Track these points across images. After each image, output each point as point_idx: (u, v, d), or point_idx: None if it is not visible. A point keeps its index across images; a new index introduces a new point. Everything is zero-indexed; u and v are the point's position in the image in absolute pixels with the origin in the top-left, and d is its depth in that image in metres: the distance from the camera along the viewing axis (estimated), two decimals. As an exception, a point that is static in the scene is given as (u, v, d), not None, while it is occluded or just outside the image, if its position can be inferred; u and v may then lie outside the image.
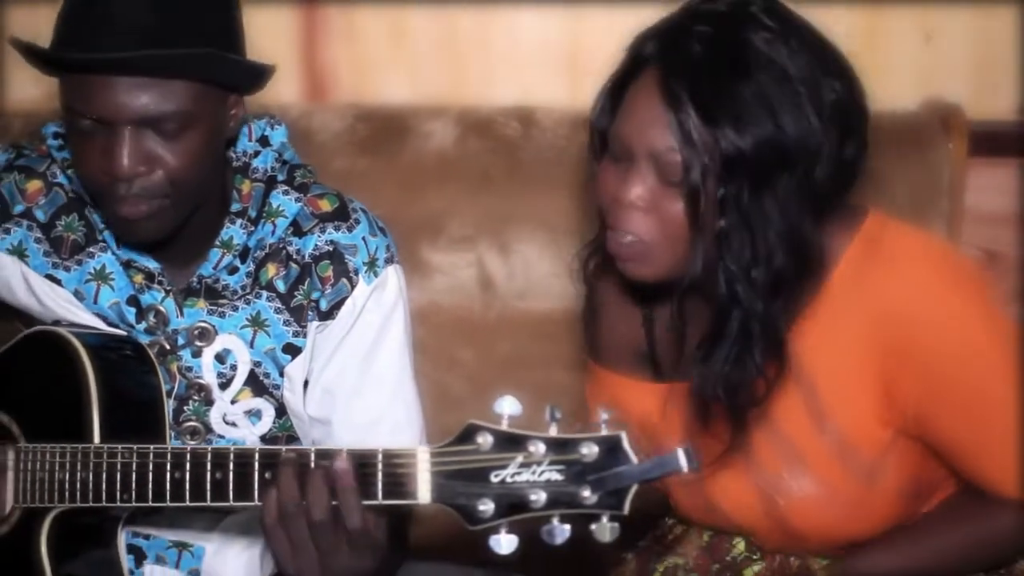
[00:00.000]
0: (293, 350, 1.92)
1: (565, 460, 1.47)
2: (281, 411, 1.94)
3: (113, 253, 1.90)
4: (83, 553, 1.85)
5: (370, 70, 2.58)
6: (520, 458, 1.48)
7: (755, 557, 1.90)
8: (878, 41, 2.53)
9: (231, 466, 1.64)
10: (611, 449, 1.46)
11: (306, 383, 1.94)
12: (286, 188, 1.93)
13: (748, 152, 1.65)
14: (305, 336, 1.91)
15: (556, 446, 1.48)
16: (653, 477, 1.46)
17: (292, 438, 1.97)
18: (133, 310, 1.90)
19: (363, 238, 1.93)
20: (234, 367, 1.91)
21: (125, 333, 1.90)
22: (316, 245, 1.91)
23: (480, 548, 1.51)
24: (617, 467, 1.46)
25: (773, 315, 1.72)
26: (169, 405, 1.89)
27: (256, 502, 1.63)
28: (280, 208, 1.91)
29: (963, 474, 1.81)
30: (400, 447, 1.56)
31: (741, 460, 1.81)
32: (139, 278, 1.90)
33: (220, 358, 1.91)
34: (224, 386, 1.91)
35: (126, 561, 1.90)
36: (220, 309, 1.90)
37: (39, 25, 2.47)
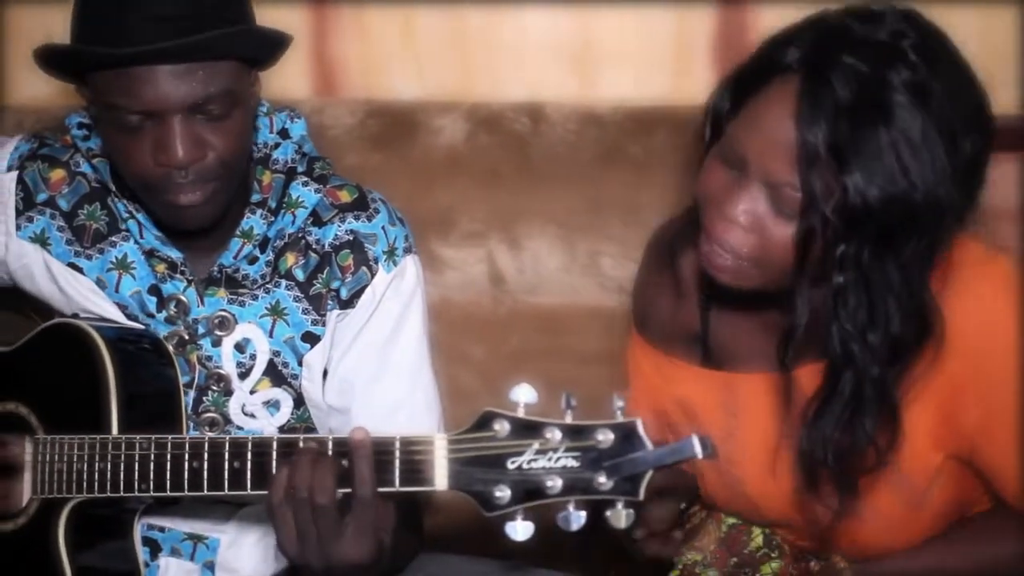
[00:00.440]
0: (312, 338, 1.93)
1: (581, 447, 1.48)
2: (299, 402, 1.96)
3: (136, 242, 1.92)
4: (99, 544, 1.86)
5: (380, 66, 2.59)
6: (536, 445, 1.50)
7: (774, 555, 1.91)
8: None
9: (249, 455, 1.66)
10: (626, 435, 1.48)
11: (325, 372, 1.95)
12: (306, 179, 1.95)
13: (876, 207, 1.57)
14: (324, 325, 1.93)
15: (572, 433, 1.49)
16: (668, 463, 1.47)
17: (310, 430, 1.98)
18: (154, 299, 1.92)
19: (383, 227, 1.94)
20: (253, 356, 1.92)
21: (143, 327, 1.92)
22: (336, 235, 1.93)
23: (495, 537, 1.52)
24: (632, 453, 1.47)
25: (888, 381, 1.67)
26: (188, 396, 1.91)
27: (274, 492, 1.65)
28: (300, 199, 1.93)
29: (1005, 494, 1.79)
30: (417, 434, 1.57)
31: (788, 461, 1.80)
32: (161, 267, 1.91)
33: (240, 347, 1.92)
34: (243, 376, 1.93)
35: (142, 553, 1.91)
36: (240, 298, 1.92)
37: (39, 25, 2.51)
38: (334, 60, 2.59)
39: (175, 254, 1.90)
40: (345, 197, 1.95)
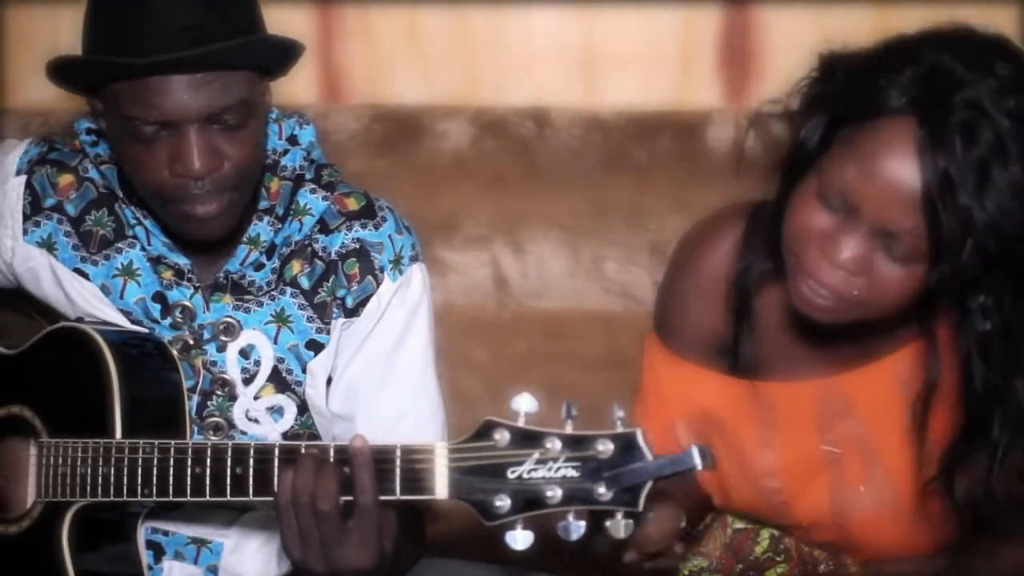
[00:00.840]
0: (316, 346, 1.93)
1: (581, 457, 1.49)
2: (303, 408, 1.96)
3: (143, 249, 1.92)
4: (103, 548, 1.87)
5: (386, 71, 2.59)
6: (536, 455, 1.50)
7: (779, 559, 1.91)
8: (889, 27, 2.53)
9: (251, 461, 1.67)
10: (626, 446, 1.48)
11: (329, 380, 1.95)
12: (313, 186, 1.95)
13: (1013, 247, 1.57)
14: (329, 333, 1.93)
15: (572, 443, 1.50)
16: (668, 474, 1.48)
17: (314, 436, 1.98)
18: (158, 306, 1.92)
19: (389, 236, 1.95)
20: (258, 363, 1.93)
21: (147, 331, 1.92)
22: (343, 243, 1.93)
23: (496, 544, 1.53)
24: (632, 464, 1.48)
25: None
26: (193, 400, 1.92)
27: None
28: (307, 206, 1.93)
29: None
30: (418, 443, 1.58)
31: (826, 470, 1.82)
32: (168, 274, 1.92)
33: (244, 353, 1.93)
34: (248, 381, 1.93)
35: (145, 556, 1.92)
36: (245, 304, 1.92)
37: (43, 28, 2.52)
38: (340, 65, 2.60)
39: (183, 261, 1.91)
40: (352, 205, 1.95)
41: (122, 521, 1.88)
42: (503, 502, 1.51)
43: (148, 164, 1.77)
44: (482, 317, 2.48)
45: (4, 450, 1.89)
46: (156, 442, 1.74)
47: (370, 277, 1.92)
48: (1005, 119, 1.57)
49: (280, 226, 1.91)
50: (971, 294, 1.62)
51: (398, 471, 1.58)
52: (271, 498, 1.65)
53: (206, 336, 1.92)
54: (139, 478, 1.75)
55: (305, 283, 1.92)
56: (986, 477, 1.70)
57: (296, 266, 1.93)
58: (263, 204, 1.91)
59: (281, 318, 1.92)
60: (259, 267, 1.92)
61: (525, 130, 2.50)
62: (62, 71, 1.79)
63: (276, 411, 1.95)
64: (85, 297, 1.94)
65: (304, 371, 1.94)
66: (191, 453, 1.71)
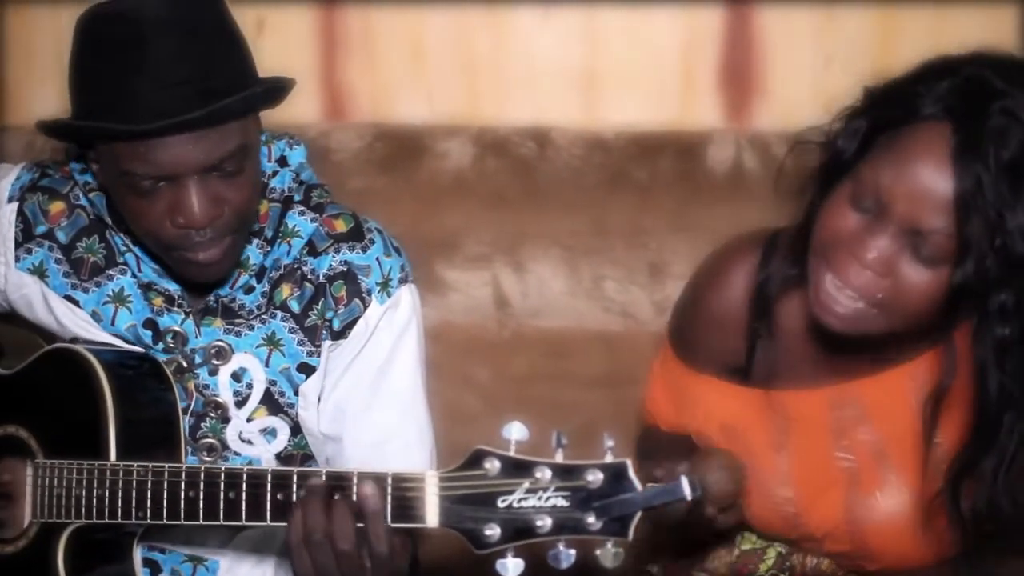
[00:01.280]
0: (307, 369, 1.93)
1: (571, 486, 1.49)
2: (296, 430, 1.96)
3: (133, 276, 1.92)
4: (99, 568, 1.87)
5: (388, 90, 2.60)
6: (527, 484, 1.50)
7: None
8: (890, 41, 2.54)
9: (244, 486, 1.67)
10: (616, 476, 1.48)
11: (319, 401, 1.95)
12: (302, 208, 1.94)
13: None
14: (319, 356, 1.93)
15: (562, 472, 1.50)
16: (657, 504, 1.47)
17: (307, 457, 1.99)
18: (149, 333, 1.92)
19: (377, 259, 1.94)
20: (250, 385, 1.93)
21: (142, 350, 1.93)
22: (331, 265, 1.92)
23: (487, 570, 1.53)
24: (622, 494, 1.47)
25: None
26: (186, 421, 1.92)
27: (267, 522, 1.66)
28: (296, 228, 1.93)
29: None
30: (409, 471, 1.58)
31: (840, 478, 1.83)
32: (159, 301, 1.92)
33: (236, 376, 1.93)
34: (240, 404, 1.93)
35: (142, 574, 1.92)
36: (236, 328, 1.92)
37: (38, 26, 2.53)
38: (343, 84, 2.60)
39: (173, 287, 1.91)
40: (341, 227, 1.95)
41: (118, 541, 1.88)
42: (493, 531, 1.51)
43: (148, 215, 1.77)
44: (482, 336, 2.48)
45: (1, 470, 1.90)
46: (150, 465, 1.75)
47: (357, 300, 1.92)
48: None
49: (269, 249, 1.91)
50: (992, 295, 1.64)
51: (389, 499, 1.58)
52: (264, 523, 1.66)
53: (198, 360, 1.92)
54: (133, 501, 1.75)
55: (295, 306, 1.93)
56: (991, 485, 1.71)
57: (286, 290, 1.93)
58: (253, 227, 1.91)
59: (272, 341, 1.93)
60: (249, 290, 1.92)
61: (526, 150, 2.51)
62: (56, 133, 1.79)
63: (269, 433, 1.95)
64: (76, 323, 1.94)
65: (296, 393, 1.94)
66: (184, 477, 1.72)
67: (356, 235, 1.95)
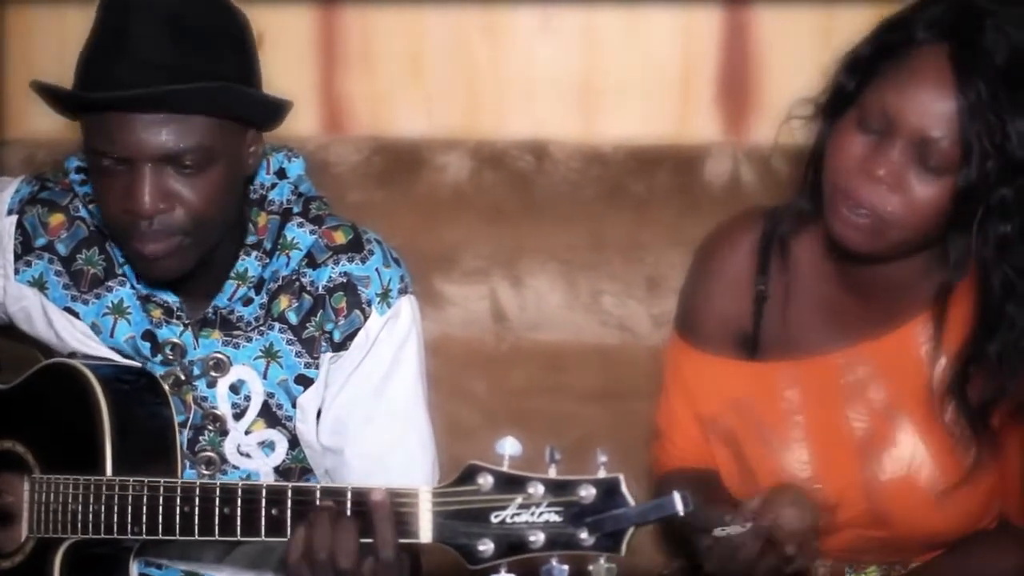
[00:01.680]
0: (305, 381, 1.94)
1: (563, 502, 1.49)
2: (294, 443, 1.96)
3: (132, 287, 1.93)
4: (96, 582, 1.88)
5: (386, 103, 2.61)
6: (520, 499, 1.50)
7: None
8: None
9: (239, 502, 1.67)
10: (609, 491, 1.48)
11: (319, 413, 1.95)
12: (301, 220, 1.95)
13: None
14: (318, 368, 1.93)
15: (555, 488, 1.50)
16: (650, 520, 1.48)
17: (306, 470, 1.99)
18: (148, 344, 1.93)
19: (376, 269, 1.94)
20: (248, 398, 1.94)
21: (139, 364, 1.93)
22: (330, 277, 1.93)
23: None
24: (614, 510, 1.48)
25: None
26: (184, 435, 1.92)
27: (263, 537, 1.66)
28: (295, 240, 1.93)
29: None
30: (403, 487, 1.58)
31: (853, 441, 1.86)
32: (157, 312, 1.92)
33: (234, 388, 1.93)
34: (238, 416, 1.94)
35: (138, 590, 1.93)
36: (234, 340, 1.93)
37: (38, 26, 2.54)
38: (340, 96, 2.61)
39: (171, 298, 1.91)
40: (340, 238, 1.95)
41: (115, 556, 1.88)
42: (486, 546, 1.51)
43: (107, 197, 1.79)
44: (480, 349, 2.48)
45: None
46: (145, 480, 1.75)
47: (357, 311, 1.92)
48: None
49: (268, 261, 1.91)
50: (993, 194, 1.72)
51: None
52: (258, 538, 1.66)
53: (196, 372, 1.93)
54: (129, 516, 1.76)
55: (293, 318, 1.93)
56: (997, 369, 1.79)
57: (284, 301, 1.93)
58: (251, 239, 1.91)
59: (270, 353, 1.93)
60: (247, 302, 1.92)
61: (524, 163, 2.52)
62: (42, 92, 1.81)
63: (267, 445, 1.96)
64: (75, 336, 1.95)
65: (294, 406, 1.94)
66: (180, 492, 1.72)
67: (355, 246, 1.95)
